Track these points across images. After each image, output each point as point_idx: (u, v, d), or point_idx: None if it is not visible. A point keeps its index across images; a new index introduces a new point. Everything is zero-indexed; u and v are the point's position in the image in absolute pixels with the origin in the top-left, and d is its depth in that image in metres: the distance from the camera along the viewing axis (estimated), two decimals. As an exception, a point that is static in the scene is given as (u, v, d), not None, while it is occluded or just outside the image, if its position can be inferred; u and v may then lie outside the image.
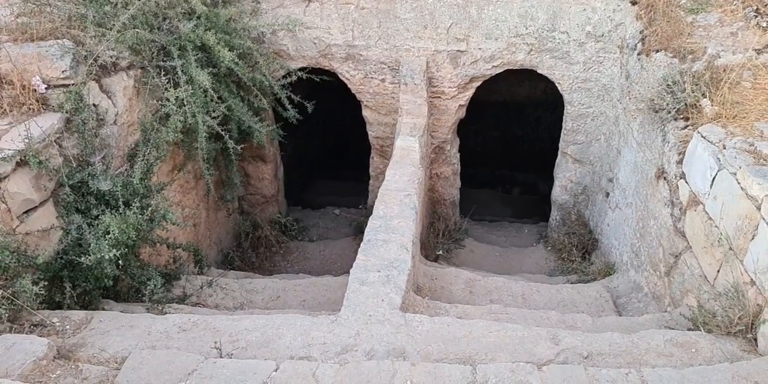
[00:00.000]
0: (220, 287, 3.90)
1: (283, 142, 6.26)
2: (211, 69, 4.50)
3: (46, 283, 2.77)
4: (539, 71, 5.98)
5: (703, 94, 4.42)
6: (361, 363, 2.44)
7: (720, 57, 4.90)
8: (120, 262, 2.97)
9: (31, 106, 3.44)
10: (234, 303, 3.80)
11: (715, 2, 5.81)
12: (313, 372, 2.33)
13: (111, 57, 3.95)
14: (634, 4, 5.72)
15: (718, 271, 3.18)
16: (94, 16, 4.05)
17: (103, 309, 3.11)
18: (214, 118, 4.41)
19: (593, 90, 5.86)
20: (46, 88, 3.56)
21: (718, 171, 3.41)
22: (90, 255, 2.87)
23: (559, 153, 6.19)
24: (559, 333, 2.77)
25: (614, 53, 5.73)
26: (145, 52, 4.25)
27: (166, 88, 4.10)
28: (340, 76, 6.04)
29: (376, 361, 2.46)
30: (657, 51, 5.15)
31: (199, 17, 4.64)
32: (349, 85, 6.07)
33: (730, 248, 3.11)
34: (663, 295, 3.68)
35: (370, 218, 3.73)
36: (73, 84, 3.56)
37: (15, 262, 2.71)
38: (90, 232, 3.02)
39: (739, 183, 3.18)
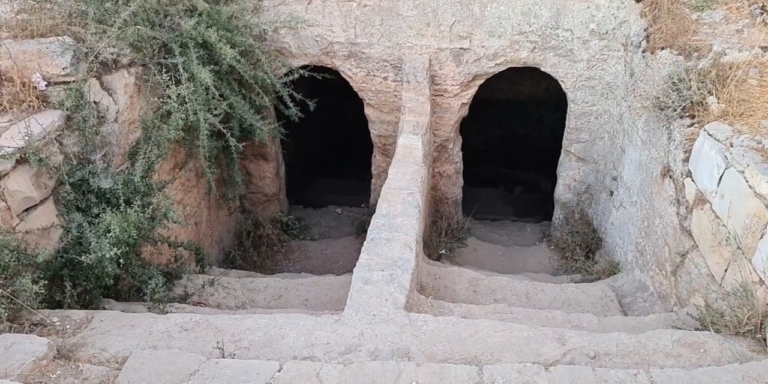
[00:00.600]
0: (221, 286, 3.87)
1: (285, 141, 6.22)
2: (212, 66, 4.47)
3: (46, 282, 2.74)
4: (542, 69, 5.94)
5: (709, 92, 4.38)
6: (365, 363, 2.41)
7: (726, 54, 4.86)
8: (121, 260, 2.94)
9: (31, 104, 3.40)
10: (236, 302, 3.77)
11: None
12: (317, 372, 2.30)
13: (112, 54, 3.92)
14: (638, 1, 5.67)
15: (726, 271, 3.14)
16: (94, 13, 4.01)
17: (104, 308, 3.08)
18: (215, 115, 4.38)
19: (597, 88, 5.82)
20: (46, 85, 3.52)
21: (726, 169, 3.37)
22: (90, 253, 2.84)
23: (563, 151, 6.15)
24: (566, 333, 2.74)
25: (618, 51, 5.69)
26: (147, 49, 4.22)
27: (167, 86, 4.07)
28: (343, 74, 6.00)
29: (380, 362, 2.42)
30: (662, 48, 5.11)
31: (200, 14, 4.60)
32: (351, 83, 6.03)
33: (738, 247, 3.07)
34: (669, 295, 3.65)
35: (373, 217, 3.69)
36: (73, 81, 3.53)
37: (15, 261, 2.68)
38: (90, 231, 2.99)
39: (747, 181, 3.14)
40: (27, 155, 3.01)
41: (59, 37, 3.65)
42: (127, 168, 3.71)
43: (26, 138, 3.01)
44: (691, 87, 4.42)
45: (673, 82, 4.53)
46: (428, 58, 5.78)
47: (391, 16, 5.70)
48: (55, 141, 3.29)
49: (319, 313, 3.11)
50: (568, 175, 6.03)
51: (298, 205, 7.06)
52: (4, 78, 3.40)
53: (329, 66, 5.96)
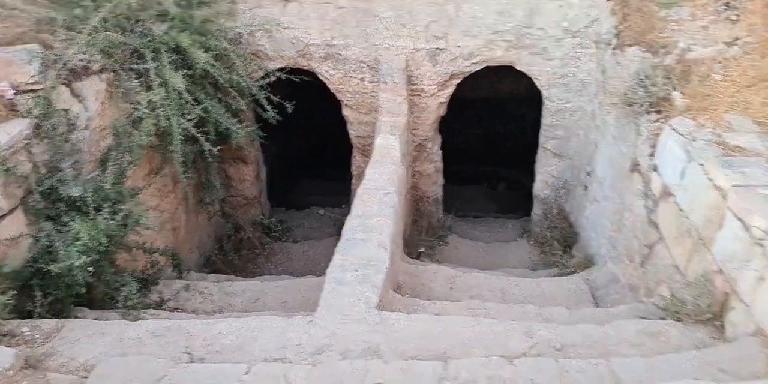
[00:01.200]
0: (198, 291, 3.89)
1: (266, 143, 6.23)
2: (186, 71, 4.47)
3: (15, 292, 2.74)
4: (517, 67, 6.01)
5: (674, 88, 4.47)
6: (333, 363, 2.44)
7: (691, 50, 4.95)
8: (91, 268, 2.94)
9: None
10: (213, 307, 3.79)
11: (689, -4, 5.82)
12: (285, 374, 2.33)
13: (82, 61, 3.91)
14: (609, -2, 5.75)
15: (689, 261, 3.21)
16: (63, 20, 4.01)
17: (77, 317, 3.08)
18: (189, 120, 4.38)
19: (571, 85, 5.89)
20: (14, 94, 3.51)
21: (688, 163, 3.45)
22: (59, 262, 2.84)
23: (540, 148, 6.23)
24: (534, 326, 2.79)
25: (591, 48, 5.76)
26: (118, 55, 4.21)
27: (138, 92, 4.07)
28: (320, 76, 6.03)
29: (349, 361, 2.46)
30: (631, 46, 5.19)
31: (172, 19, 4.60)
32: (328, 85, 6.06)
33: (700, 238, 3.15)
34: (638, 286, 3.72)
35: (348, 217, 3.73)
36: (42, 89, 3.52)
37: (-18, 272, 2.68)
38: (60, 239, 2.99)
39: (707, 174, 3.22)
40: (-6, 165, 3.00)
41: (26, 45, 3.64)
42: (98, 175, 3.71)
43: (-7, 148, 3.00)
44: (657, 83, 4.51)
45: (640, 79, 4.62)
46: (405, 58, 5.81)
47: (367, 17, 5.73)
48: (23, 150, 3.28)
49: (293, 314, 3.13)
50: (546, 172, 6.10)
51: (281, 208, 7.08)
52: (-29, 88, 3.39)
53: (306, 68, 5.98)
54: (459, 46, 5.80)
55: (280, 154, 7.90)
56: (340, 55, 5.85)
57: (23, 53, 3.57)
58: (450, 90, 6.09)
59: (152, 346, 2.65)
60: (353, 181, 6.32)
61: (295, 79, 5.30)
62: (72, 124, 3.68)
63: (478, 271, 4.31)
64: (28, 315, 2.93)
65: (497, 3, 5.60)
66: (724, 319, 2.74)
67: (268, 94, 5.22)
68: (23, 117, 3.45)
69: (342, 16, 5.76)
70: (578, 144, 5.83)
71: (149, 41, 4.38)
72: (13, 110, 3.48)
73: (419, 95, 5.98)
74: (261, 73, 5.57)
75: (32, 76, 3.54)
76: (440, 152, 6.33)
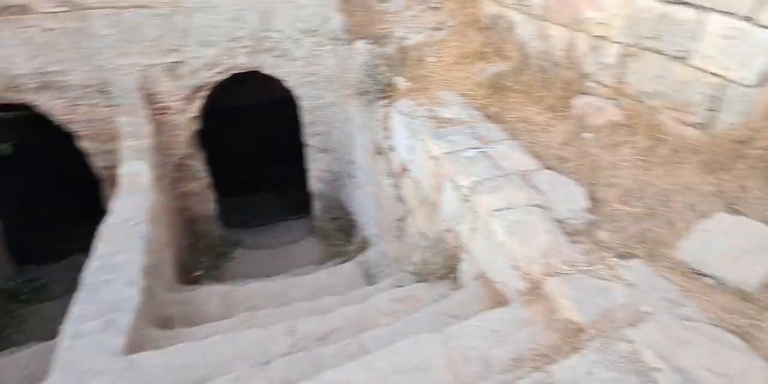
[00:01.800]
0: None
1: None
2: None
3: None
4: (264, 71, 6.03)
5: (397, 73, 4.93)
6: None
7: (408, 38, 5.52)
8: None
9: None
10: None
11: (400, -11, 6.41)
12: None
13: None
14: (335, -4, 6.08)
15: (428, 226, 3.58)
16: None
17: None
18: None
19: (318, 82, 6.12)
20: None
21: (413, 139, 3.82)
22: None
23: (307, 145, 6.38)
24: (297, 323, 2.81)
25: (329, 46, 6.03)
26: None
27: None
28: (39, 109, 5.28)
29: (92, 419, 2.18)
30: (359, 39, 5.57)
31: None
32: (54, 118, 5.35)
33: (432, 204, 3.52)
34: (401, 258, 4.04)
35: (87, 261, 3.33)
36: None
37: None
38: None
39: (425, 147, 3.60)
40: None
41: None
42: None
43: None
44: (382, 71, 4.92)
45: (368, 69, 4.99)
46: (139, 76, 5.41)
47: (84, 37, 5.16)
48: None
49: (31, 386, 2.68)
50: (316, 167, 6.28)
51: (31, 264, 6.02)
52: None
53: (19, 101, 5.19)
54: (197, 58, 5.60)
55: (25, 199, 6.77)
56: (60, 82, 5.20)
57: None
58: (199, 103, 5.86)
59: None
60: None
61: (3, 116, 4.55)
62: None
63: (254, 281, 4.23)
64: None
65: (229, 10, 5.52)
66: (457, 271, 3.10)
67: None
68: None
69: (53, 39, 5.11)
70: (339, 137, 6.11)
71: None
72: None
73: (166, 113, 5.63)
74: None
75: None
76: (206, 168, 6.07)
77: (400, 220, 4.01)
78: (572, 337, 2.08)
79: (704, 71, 3.02)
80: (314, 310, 3.31)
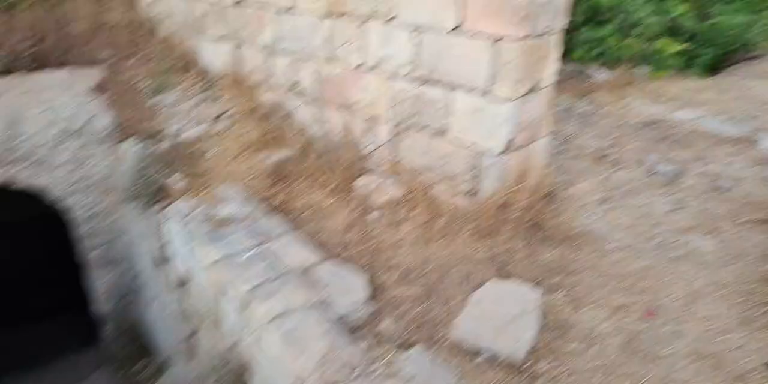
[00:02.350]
0: None
1: None
2: None
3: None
4: (19, 185, 5.14)
5: (172, 172, 4.50)
6: None
7: (184, 132, 5.17)
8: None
9: None
10: None
11: (174, 81, 6.12)
12: None
13: None
14: (101, 93, 5.56)
15: (217, 343, 3.09)
16: None
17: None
18: None
19: (93, 188, 5.38)
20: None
21: (189, 245, 3.38)
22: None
23: (87, 262, 5.46)
24: None
25: (98, 146, 5.40)
26: None
27: None
28: None
29: None
30: (129, 137, 5.08)
31: None
32: None
33: (215, 317, 3.07)
34: (197, 381, 3.44)
35: None
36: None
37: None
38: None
39: (201, 253, 3.19)
40: None
41: None
42: None
43: None
44: (155, 171, 4.46)
45: (140, 170, 4.50)
46: None
47: None
48: None
49: None
50: (101, 285, 5.36)
51: None
52: None
53: None
54: None
55: None
56: None
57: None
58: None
59: None
60: None
61: None
62: None
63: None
64: None
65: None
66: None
67: None
68: None
69: None
70: (122, 248, 5.35)
71: None
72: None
73: None
74: None
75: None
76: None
77: (190, 337, 3.45)
78: None
79: (461, 144, 3.19)
80: None
